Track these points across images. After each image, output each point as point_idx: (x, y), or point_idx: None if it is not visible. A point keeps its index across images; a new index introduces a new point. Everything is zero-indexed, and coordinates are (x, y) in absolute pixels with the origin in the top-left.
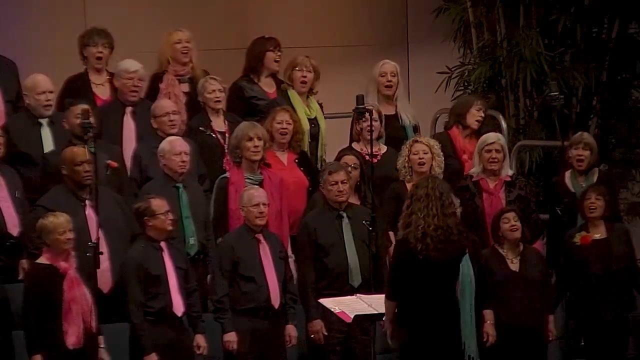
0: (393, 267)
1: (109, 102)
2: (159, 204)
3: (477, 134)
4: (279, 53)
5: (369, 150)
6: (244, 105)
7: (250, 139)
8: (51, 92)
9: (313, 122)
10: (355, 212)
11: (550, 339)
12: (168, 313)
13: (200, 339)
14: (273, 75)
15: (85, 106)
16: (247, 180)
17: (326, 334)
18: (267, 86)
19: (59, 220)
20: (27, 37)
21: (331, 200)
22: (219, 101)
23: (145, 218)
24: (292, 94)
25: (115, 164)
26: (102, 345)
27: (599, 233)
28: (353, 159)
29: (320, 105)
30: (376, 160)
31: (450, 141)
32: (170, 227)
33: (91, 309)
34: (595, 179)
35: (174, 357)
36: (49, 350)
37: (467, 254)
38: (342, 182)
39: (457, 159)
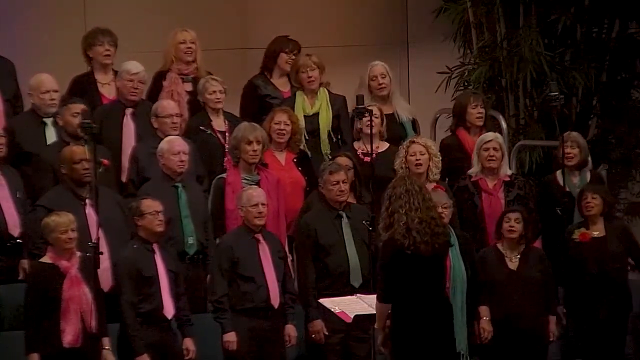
0: (383, 267)
1: (110, 102)
2: (148, 204)
3: (486, 129)
4: (293, 56)
5: (368, 149)
6: (258, 103)
7: (250, 142)
8: (55, 91)
9: (311, 119)
10: (354, 212)
11: (551, 339)
12: (158, 315)
13: (189, 343)
14: (289, 75)
15: (84, 106)
16: (244, 180)
17: (327, 333)
18: (282, 85)
19: (61, 219)
20: (26, 37)
21: (332, 200)
22: (219, 102)
23: (135, 217)
24: (299, 95)
25: (107, 162)
26: (106, 347)
27: (597, 231)
28: (346, 160)
29: (343, 97)
30: (370, 159)
31: (460, 142)
32: (159, 229)
33: (91, 309)
34: (587, 178)
35: None
36: (46, 349)
37: (458, 251)
38: (343, 182)
39: (470, 159)
